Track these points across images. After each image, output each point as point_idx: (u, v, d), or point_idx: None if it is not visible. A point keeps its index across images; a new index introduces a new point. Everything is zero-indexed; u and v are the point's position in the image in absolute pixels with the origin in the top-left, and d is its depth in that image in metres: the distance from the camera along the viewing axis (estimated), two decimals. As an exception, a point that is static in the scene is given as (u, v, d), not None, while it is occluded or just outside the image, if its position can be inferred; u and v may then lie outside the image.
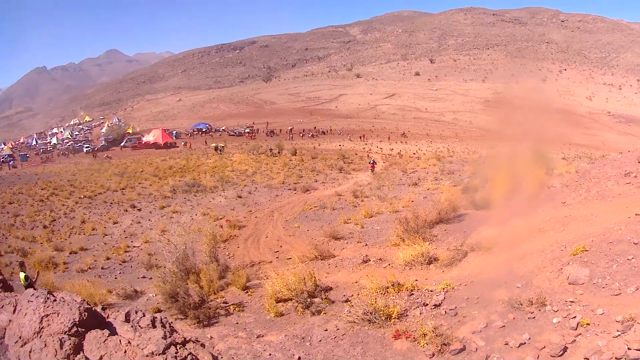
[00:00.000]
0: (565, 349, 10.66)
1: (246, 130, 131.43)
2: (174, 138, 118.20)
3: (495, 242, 18.91)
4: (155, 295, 18.31)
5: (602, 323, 11.04)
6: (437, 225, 24.55)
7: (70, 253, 28.87)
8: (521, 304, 12.80)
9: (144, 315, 7.68)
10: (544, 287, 13.66)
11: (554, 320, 11.83)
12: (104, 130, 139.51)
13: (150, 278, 22.15)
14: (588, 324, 11.17)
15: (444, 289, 15.39)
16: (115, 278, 24.04)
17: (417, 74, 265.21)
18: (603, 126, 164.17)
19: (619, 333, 10.30)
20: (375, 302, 14.06)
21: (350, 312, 14.45)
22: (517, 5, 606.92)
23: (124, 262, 26.87)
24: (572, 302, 12.38)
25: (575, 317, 11.54)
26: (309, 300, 16.04)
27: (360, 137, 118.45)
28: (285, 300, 16.54)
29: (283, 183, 48.28)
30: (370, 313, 13.64)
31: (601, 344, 10.21)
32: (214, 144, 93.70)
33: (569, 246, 15.49)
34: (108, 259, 27.33)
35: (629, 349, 9.62)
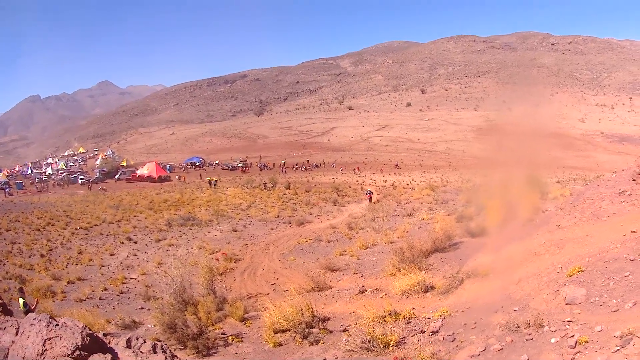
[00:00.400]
0: (564, 367, 10.61)
1: (239, 165, 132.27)
2: (168, 172, 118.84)
3: (491, 268, 18.99)
4: (154, 325, 18.30)
5: (600, 340, 11.06)
6: (432, 255, 24.73)
7: (68, 283, 28.72)
8: (519, 327, 12.68)
9: (145, 342, 7.76)
10: (541, 309, 13.63)
11: (552, 340, 11.74)
12: (98, 162, 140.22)
13: (148, 309, 22.13)
14: (587, 342, 11.17)
15: (441, 315, 15.40)
16: (113, 308, 23.98)
17: (409, 104, 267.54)
18: (597, 147, 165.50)
19: (618, 348, 10.30)
20: (373, 330, 14.03)
21: (348, 341, 14.46)
22: (507, 30, 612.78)
23: (122, 293, 26.76)
24: (569, 321, 12.38)
25: (573, 335, 11.52)
26: (306, 330, 16.08)
27: (355, 170, 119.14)
28: (284, 331, 16.54)
29: (278, 216, 48.33)
30: (369, 342, 13.60)
31: (600, 359, 10.21)
32: (208, 178, 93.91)
33: (564, 268, 15.57)
34: (105, 289, 27.23)
35: None
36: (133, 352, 7.43)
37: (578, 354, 10.83)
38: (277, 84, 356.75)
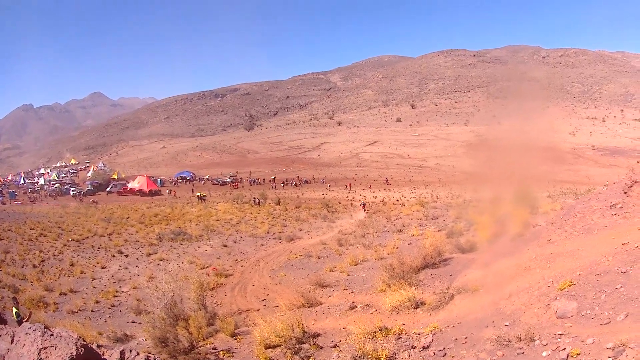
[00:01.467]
0: (557, 380, 10.50)
1: (229, 180, 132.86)
2: (159, 186, 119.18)
3: (481, 283, 19.03)
4: (146, 339, 18.25)
5: (592, 352, 11.11)
6: (422, 270, 24.60)
7: (60, 294, 28.65)
8: (510, 341, 12.74)
9: (138, 354, 7.79)
10: (532, 323, 13.63)
11: (544, 354, 11.76)
12: (89, 174, 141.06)
13: (140, 323, 22.14)
14: (578, 354, 11.22)
15: (431, 331, 15.37)
16: (105, 321, 23.95)
17: (399, 119, 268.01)
18: (588, 160, 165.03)
19: (610, 359, 10.39)
20: (364, 346, 13.92)
21: (339, 356, 14.57)
22: (498, 44, 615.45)
23: (113, 306, 26.71)
24: (561, 334, 12.41)
25: (565, 348, 11.57)
26: (297, 346, 16.04)
27: (346, 186, 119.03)
28: (274, 347, 16.47)
29: (268, 232, 48.23)
30: (359, 357, 13.50)
31: None
32: (198, 193, 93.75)
33: (555, 282, 15.57)
34: (97, 302, 27.16)
35: None
36: (126, 362, 7.45)
37: None
38: (267, 99, 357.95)
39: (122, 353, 7.71)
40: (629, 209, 19.87)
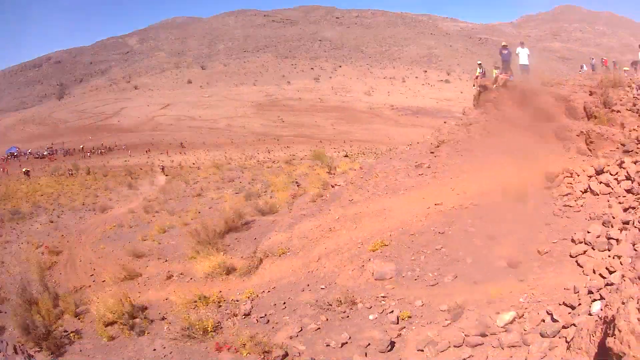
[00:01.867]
0: (392, 344, 10.64)
1: (46, 153, 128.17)
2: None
3: (287, 246, 18.93)
4: (14, 329, 17.15)
5: (425, 314, 11.32)
6: (227, 235, 24.32)
7: None
8: (330, 305, 12.68)
9: (8, 344, 7.99)
10: (350, 286, 13.75)
11: (371, 317, 11.79)
12: None
13: (5, 312, 21.36)
14: (410, 317, 11.32)
15: (249, 297, 15.35)
16: None
17: (190, 81, 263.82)
18: (387, 120, 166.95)
19: (449, 321, 10.51)
20: (189, 317, 13.79)
21: (169, 329, 14.25)
22: (290, 4, 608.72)
23: None
24: (384, 297, 12.53)
25: (392, 311, 11.62)
26: (131, 321, 15.79)
27: (145, 152, 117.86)
28: (112, 324, 16.01)
29: (84, 204, 46.55)
30: (188, 329, 13.36)
31: (432, 334, 10.32)
32: (24, 169, 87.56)
33: (365, 243, 15.79)
34: None
35: (466, 335, 9.79)
36: (3, 356, 7.69)
37: (404, 330, 10.98)
38: (74, 66, 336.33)
39: (-2, 343, 7.88)
40: (438, 169, 20.42)
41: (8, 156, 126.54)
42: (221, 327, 13.69)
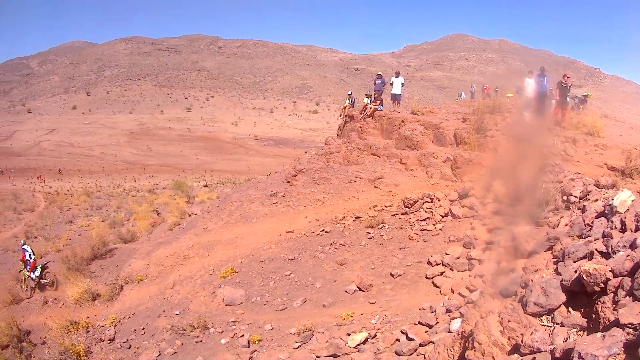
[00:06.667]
0: (245, 367, 10.99)
1: None
2: None
3: (145, 273, 19.53)
4: None
5: (275, 338, 11.89)
6: (93, 261, 24.61)
7: None
8: (184, 330, 13.33)
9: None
10: (202, 311, 14.37)
11: (223, 341, 12.44)
12: None
13: None
14: (260, 340, 11.89)
15: (112, 323, 15.79)
16: None
17: (75, 107, 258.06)
18: (249, 150, 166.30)
19: (299, 344, 10.98)
20: (64, 341, 14.16)
21: (50, 354, 14.37)
22: (177, 33, 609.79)
23: None
24: (234, 322, 13.21)
25: (243, 335, 12.27)
26: (20, 345, 15.88)
27: (38, 178, 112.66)
28: (5, 347, 15.94)
29: None
30: (64, 353, 13.69)
31: (283, 356, 10.64)
32: None
33: (217, 270, 16.48)
34: None
35: (317, 356, 10.12)
36: None
37: (255, 353, 11.48)
38: None
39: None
40: (292, 198, 21.09)
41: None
42: (91, 352, 14.47)
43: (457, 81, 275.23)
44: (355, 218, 17.06)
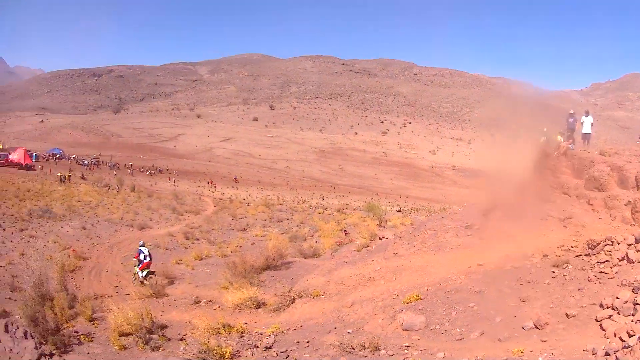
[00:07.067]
0: (406, 391, 10.37)
1: (93, 162, 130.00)
2: (33, 160, 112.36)
3: (323, 290, 19.34)
4: (20, 317, 16.88)
5: None
6: (264, 271, 24.96)
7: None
8: (353, 348, 12.79)
9: (18, 328, 8.01)
10: (377, 333, 13.87)
11: None
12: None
13: (15, 300, 20.92)
14: None
15: (273, 332, 15.61)
16: None
17: (256, 119, 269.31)
18: (445, 179, 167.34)
19: None
20: (208, 341, 14.08)
21: (186, 350, 14.47)
22: (370, 56, 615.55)
23: None
24: (408, 346, 12.62)
25: None
26: (147, 336, 16.09)
27: (209, 183, 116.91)
28: (128, 335, 16.34)
29: (122, 218, 46.77)
30: (205, 352, 13.60)
31: None
32: (59, 174, 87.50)
33: (401, 295, 16.05)
34: None
35: None
36: (10, 337, 7.67)
37: None
38: (137, 83, 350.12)
39: (6, 325, 7.89)
40: (486, 231, 20.51)
41: (50, 156, 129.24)
42: (239, 356, 14.17)
43: (638, 122, 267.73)
44: (543, 256, 16.81)
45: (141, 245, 26.16)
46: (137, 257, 25.45)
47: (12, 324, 8.16)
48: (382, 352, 12.62)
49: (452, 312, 14.23)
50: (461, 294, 15.15)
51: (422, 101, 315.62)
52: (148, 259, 25.55)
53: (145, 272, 25.39)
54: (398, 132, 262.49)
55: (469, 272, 16.64)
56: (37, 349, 7.51)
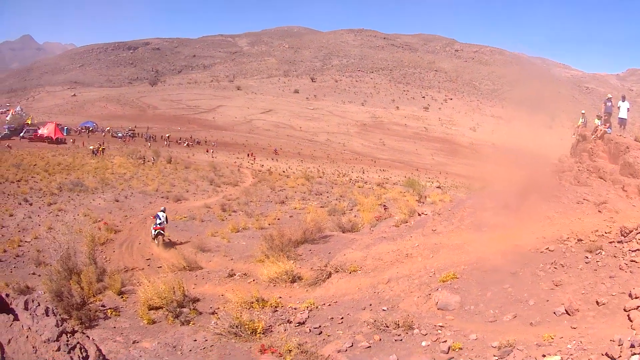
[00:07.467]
0: (435, 371, 10.49)
1: (128, 134, 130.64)
2: (65, 134, 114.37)
3: (360, 265, 19.11)
4: (44, 292, 17.46)
5: (476, 348, 11.30)
6: (302, 245, 24.81)
7: (-33, 243, 27.27)
8: (387, 326, 12.79)
9: (39, 305, 7.83)
10: (411, 311, 13.82)
11: (423, 344, 11.87)
12: (8, 118, 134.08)
13: (39, 275, 21.31)
14: (460, 348, 11.32)
15: (307, 307, 15.55)
16: (11, 272, 23.02)
17: (297, 91, 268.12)
18: (485, 158, 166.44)
19: (497, 358, 10.58)
20: (241, 316, 14.11)
21: (217, 324, 14.33)
22: (411, 31, 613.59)
23: (17, 256, 25.43)
24: (441, 326, 12.55)
25: (445, 341, 11.67)
26: (178, 309, 16.05)
27: (249, 155, 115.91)
28: (157, 308, 16.44)
29: (157, 190, 47.21)
30: (237, 326, 13.65)
31: None
32: (91, 147, 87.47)
33: (438, 273, 15.91)
34: (5, 251, 25.87)
35: None
36: (30, 314, 7.50)
37: None
38: (174, 56, 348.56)
39: (26, 303, 7.74)
40: (523, 212, 20.22)
41: (82, 129, 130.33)
42: (271, 331, 14.27)
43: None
44: (578, 240, 16.37)
45: (161, 211, 28.37)
46: (154, 218, 27.57)
47: (32, 301, 7.93)
48: (416, 331, 12.54)
49: (487, 293, 14.13)
50: (497, 275, 15.00)
51: (464, 77, 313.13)
52: (164, 224, 27.88)
53: (155, 232, 27.67)
54: (439, 108, 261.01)
55: (506, 253, 16.37)
56: (58, 327, 7.26)
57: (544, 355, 10.27)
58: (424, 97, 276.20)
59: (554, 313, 12.64)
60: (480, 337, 11.71)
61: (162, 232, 27.84)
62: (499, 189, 25.17)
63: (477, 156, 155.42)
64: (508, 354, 10.51)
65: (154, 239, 27.65)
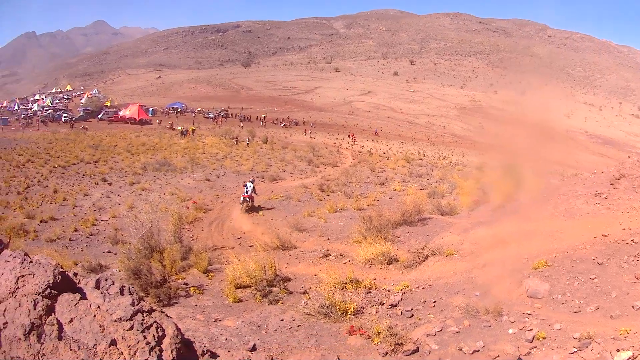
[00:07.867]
0: (518, 360, 10.57)
1: (221, 114, 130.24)
2: (150, 115, 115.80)
3: (457, 248, 18.87)
4: (119, 270, 17.80)
5: (558, 338, 11.11)
6: (400, 227, 24.33)
7: (41, 222, 27.88)
8: (478, 312, 12.78)
9: (113, 284, 7.76)
10: (502, 298, 13.62)
11: (510, 331, 11.75)
12: (83, 100, 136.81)
13: (115, 253, 21.51)
14: (544, 338, 11.17)
15: (401, 289, 15.35)
16: (82, 250, 23.35)
17: (396, 73, 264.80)
18: (579, 145, 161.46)
19: (576, 350, 10.37)
20: (333, 296, 14.10)
21: (307, 304, 14.26)
22: (505, 16, 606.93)
23: (91, 235, 25.98)
24: (529, 314, 12.38)
25: (531, 329, 11.52)
26: (267, 289, 15.92)
27: (349, 136, 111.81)
28: (244, 287, 16.36)
29: (252, 170, 47.44)
30: (327, 307, 13.61)
31: (556, 358, 10.26)
32: (179, 127, 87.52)
33: (530, 260, 15.53)
34: (76, 230, 26.41)
35: None
36: (101, 293, 7.44)
37: (534, 349, 10.94)
38: (268, 38, 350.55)
39: (97, 282, 7.67)
40: (613, 201, 19.95)
41: (170, 110, 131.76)
42: (362, 313, 14.18)
43: None
44: None
45: (250, 182, 31.66)
46: (243, 187, 30.51)
47: (105, 280, 7.85)
48: (505, 318, 12.36)
49: (574, 283, 13.83)
50: (584, 265, 14.66)
51: (557, 63, 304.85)
52: (247, 192, 30.70)
53: (241, 199, 30.73)
54: (535, 94, 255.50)
55: (594, 242, 16.03)
56: (133, 306, 7.16)
57: (618, 350, 10.19)
58: (520, 82, 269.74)
59: (633, 307, 12.35)
60: (563, 327, 11.52)
61: (247, 199, 30.20)
62: (590, 177, 24.61)
63: (573, 144, 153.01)
64: (587, 347, 10.43)
65: (241, 204, 30.34)
